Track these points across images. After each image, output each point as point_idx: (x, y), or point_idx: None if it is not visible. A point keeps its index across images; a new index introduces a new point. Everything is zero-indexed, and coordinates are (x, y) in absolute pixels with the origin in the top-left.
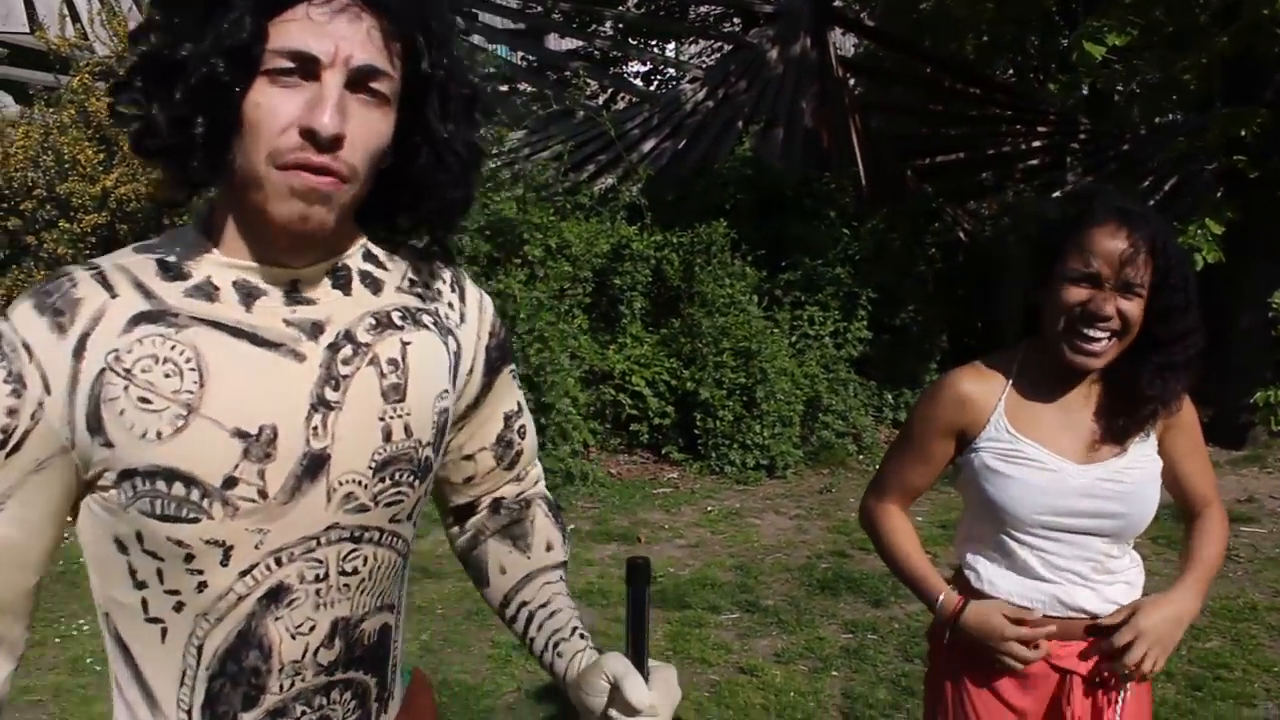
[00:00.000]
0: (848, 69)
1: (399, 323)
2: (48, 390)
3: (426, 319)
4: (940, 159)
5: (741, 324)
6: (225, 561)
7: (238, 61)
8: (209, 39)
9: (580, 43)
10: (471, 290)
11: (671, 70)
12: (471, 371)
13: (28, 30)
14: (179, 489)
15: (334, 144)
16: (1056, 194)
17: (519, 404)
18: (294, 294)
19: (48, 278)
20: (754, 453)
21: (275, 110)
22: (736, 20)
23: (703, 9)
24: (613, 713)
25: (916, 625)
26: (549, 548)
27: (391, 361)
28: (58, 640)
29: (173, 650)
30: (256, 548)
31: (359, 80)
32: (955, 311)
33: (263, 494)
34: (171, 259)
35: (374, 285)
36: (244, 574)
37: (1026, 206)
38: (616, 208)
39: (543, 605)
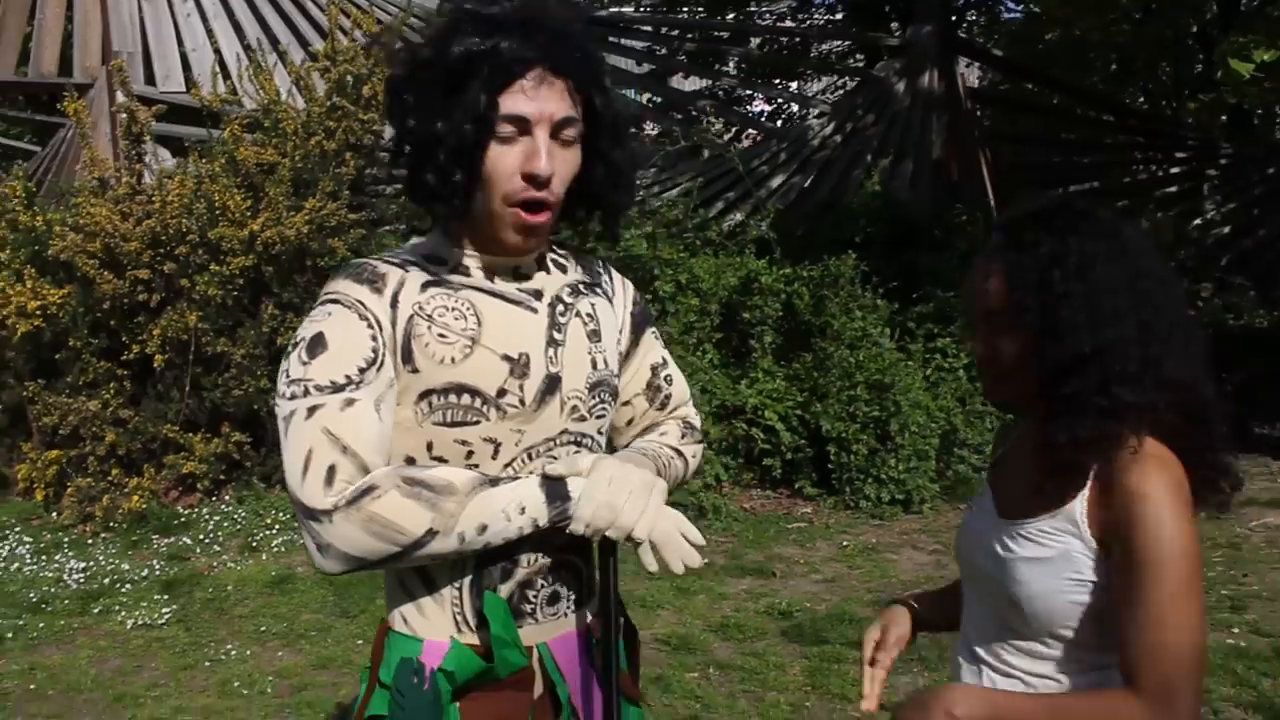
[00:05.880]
0: (976, 100)
1: (585, 291)
2: (381, 329)
3: (598, 290)
4: (1073, 188)
5: (874, 357)
6: (495, 455)
7: (479, 128)
8: (456, 115)
9: (706, 83)
10: (616, 275)
11: (795, 106)
12: (623, 330)
13: (184, 89)
14: (466, 399)
15: (547, 182)
16: (1197, 221)
17: (664, 359)
18: (518, 273)
19: (348, 264)
20: (889, 487)
21: (505, 162)
22: (859, 56)
23: (825, 46)
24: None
25: None
26: (664, 434)
27: (589, 315)
28: (208, 664)
29: None
30: (516, 445)
31: (557, 130)
32: None
33: (522, 401)
34: (432, 254)
35: (562, 268)
36: (506, 465)
37: (1162, 234)
38: (744, 241)
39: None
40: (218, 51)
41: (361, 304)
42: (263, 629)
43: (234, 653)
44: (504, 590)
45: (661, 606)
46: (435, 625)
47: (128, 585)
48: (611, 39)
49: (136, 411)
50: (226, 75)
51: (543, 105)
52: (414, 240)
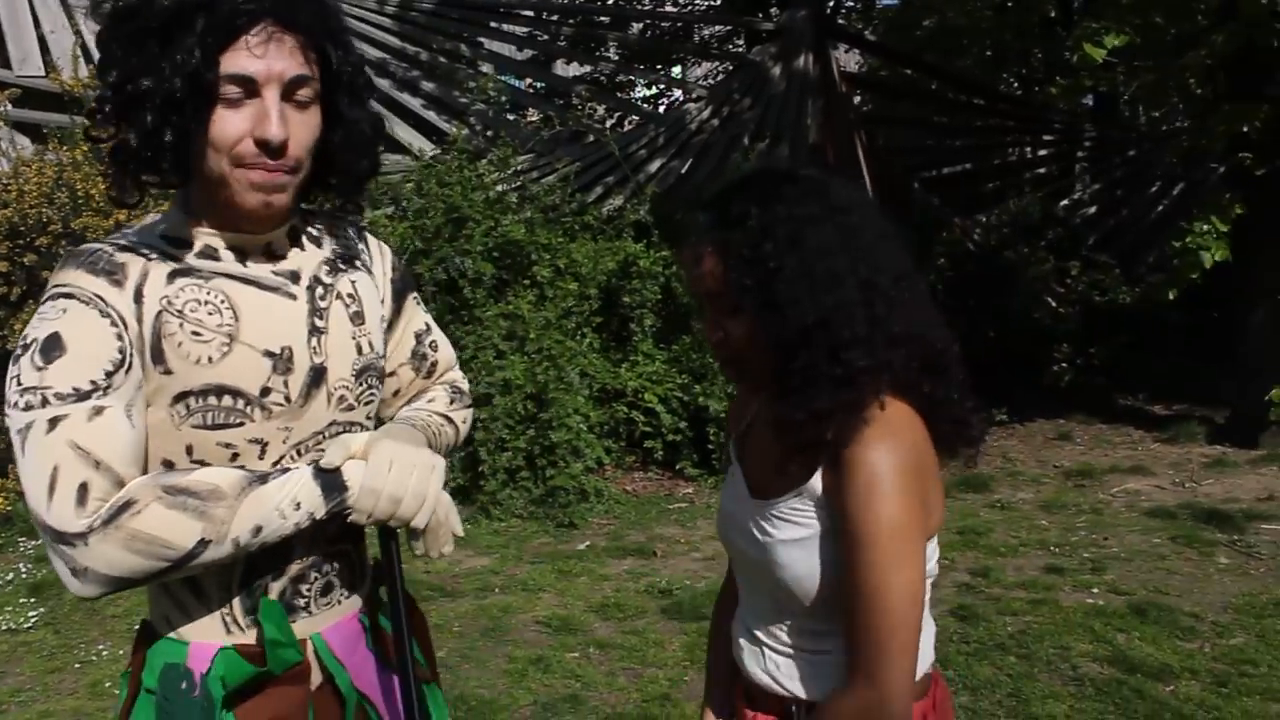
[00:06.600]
0: (852, 84)
1: (343, 266)
2: (126, 327)
3: (357, 262)
4: (947, 170)
5: None
6: (262, 455)
7: (194, 86)
8: (168, 70)
9: (588, 68)
10: (372, 240)
11: (678, 92)
12: (384, 300)
13: (43, 74)
14: (228, 400)
15: (282, 149)
16: (1065, 201)
17: (427, 324)
18: (271, 252)
19: (76, 251)
20: None
21: (232, 126)
22: (739, 41)
23: (707, 31)
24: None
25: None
26: (432, 400)
27: (350, 295)
28: (77, 666)
29: None
30: (284, 442)
31: (290, 90)
32: (966, 322)
33: (287, 399)
34: (172, 234)
35: (316, 241)
36: (275, 464)
37: (1031, 214)
38: (622, 225)
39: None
40: (78, 34)
41: (100, 299)
42: (136, 627)
43: (106, 653)
44: (276, 588)
45: (543, 590)
46: (202, 628)
47: None
48: (493, 24)
49: None
50: (89, 59)
51: (271, 63)
52: (149, 218)
